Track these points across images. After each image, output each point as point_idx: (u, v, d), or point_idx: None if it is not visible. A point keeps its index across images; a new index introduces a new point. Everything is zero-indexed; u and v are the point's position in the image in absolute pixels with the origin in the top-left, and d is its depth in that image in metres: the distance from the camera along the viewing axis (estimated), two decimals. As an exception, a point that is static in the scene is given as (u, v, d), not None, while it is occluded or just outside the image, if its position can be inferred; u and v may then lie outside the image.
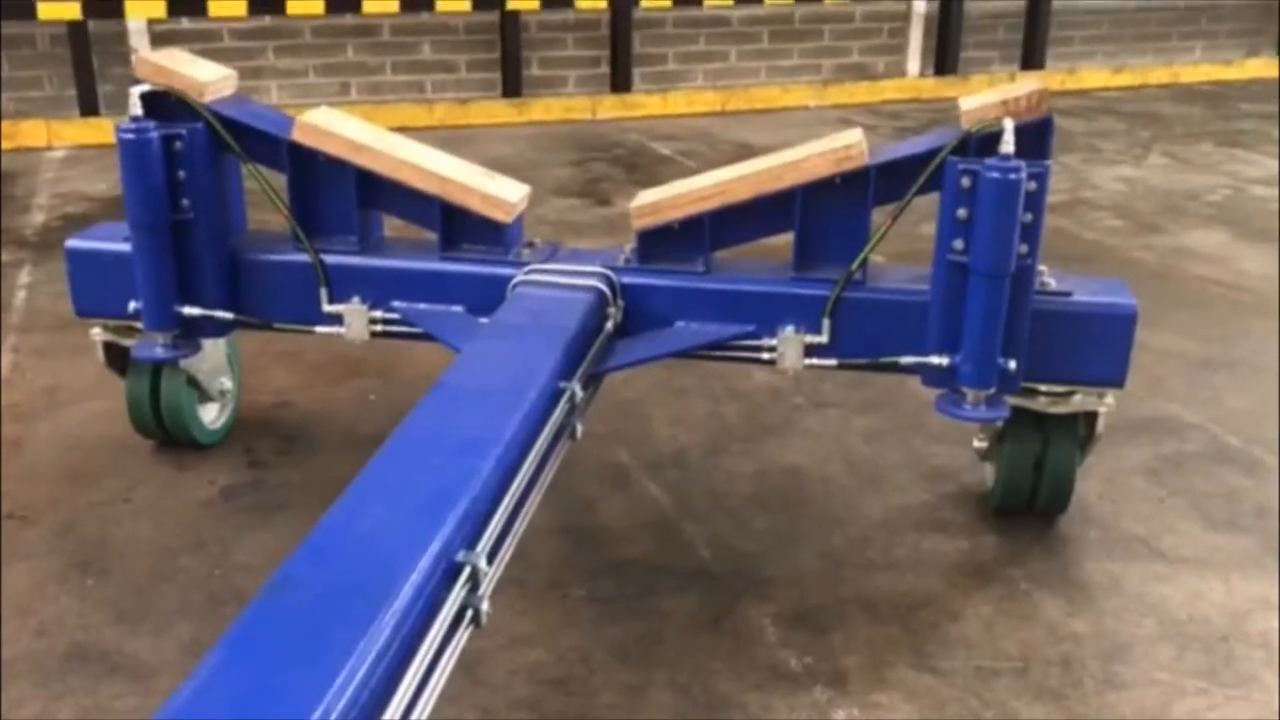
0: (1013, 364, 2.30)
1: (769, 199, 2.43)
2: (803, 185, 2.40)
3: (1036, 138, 2.25)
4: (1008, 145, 2.16)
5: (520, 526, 1.79)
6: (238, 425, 3.06)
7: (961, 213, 2.22)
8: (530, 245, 2.63)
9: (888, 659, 2.19)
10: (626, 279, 2.48)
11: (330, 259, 2.59)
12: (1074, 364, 2.40)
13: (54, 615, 2.29)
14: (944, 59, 8.30)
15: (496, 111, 7.16)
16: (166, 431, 2.89)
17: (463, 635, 1.52)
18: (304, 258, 2.58)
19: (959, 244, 2.24)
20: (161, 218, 2.47)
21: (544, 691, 2.09)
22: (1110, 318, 2.37)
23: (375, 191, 2.57)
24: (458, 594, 1.49)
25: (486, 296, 2.47)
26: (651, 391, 3.26)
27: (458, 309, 2.54)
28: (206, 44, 6.79)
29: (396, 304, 2.57)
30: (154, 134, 2.42)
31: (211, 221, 2.55)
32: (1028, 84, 2.29)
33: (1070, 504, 2.62)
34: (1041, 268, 2.43)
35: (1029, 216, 2.22)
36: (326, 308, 2.60)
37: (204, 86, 2.51)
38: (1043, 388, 2.46)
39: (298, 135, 2.53)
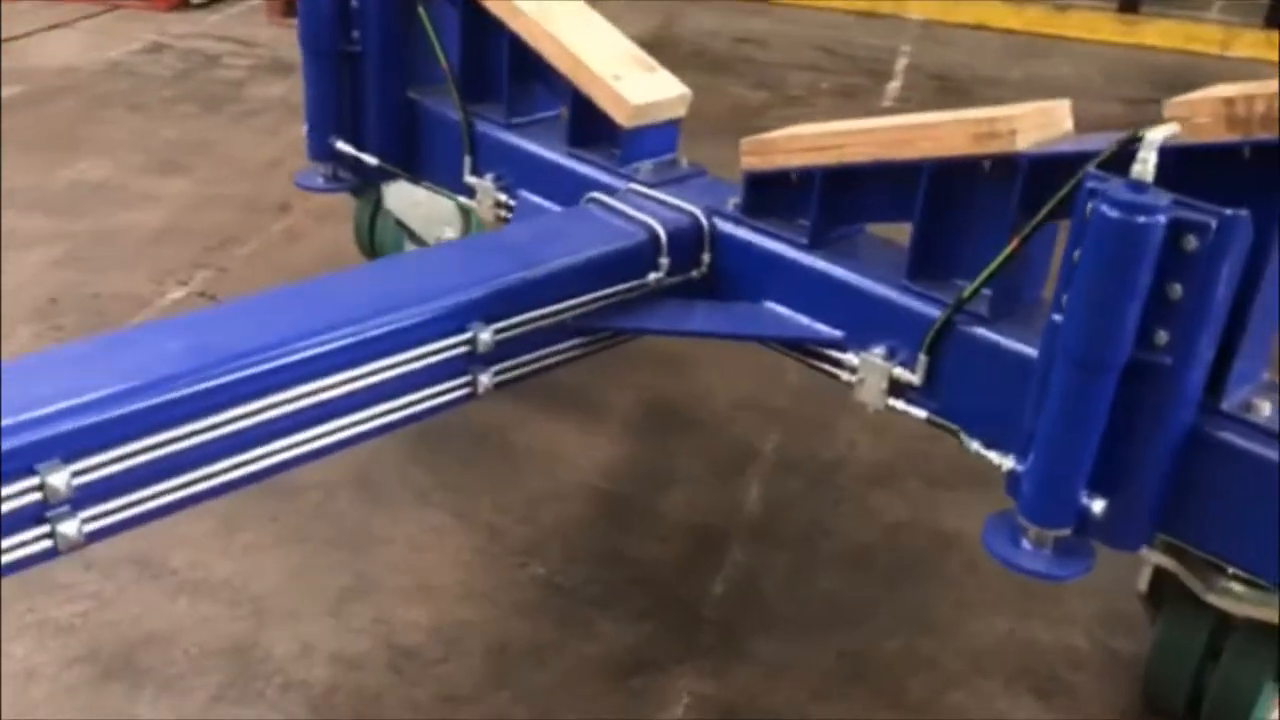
0: (1098, 505, 1.46)
1: (896, 171, 1.74)
2: (934, 160, 1.68)
3: (1257, 167, 1.35)
4: (1142, 166, 1.31)
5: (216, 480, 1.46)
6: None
7: (1077, 254, 1.41)
8: (671, 163, 2.18)
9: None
10: (722, 226, 1.96)
11: (481, 126, 2.36)
12: (1265, 544, 1.47)
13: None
14: None
15: (1100, 26, 6.09)
16: (383, 264, 2.92)
17: None
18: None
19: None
20: (327, 45, 2.40)
21: (370, 658, 1.82)
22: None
23: (526, 61, 2.27)
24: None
25: (587, 205, 2.10)
26: (873, 381, 2.61)
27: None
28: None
29: (522, 193, 2.29)
30: (327, -43, 2.34)
31: (381, 58, 2.42)
32: (1274, 82, 1.36)
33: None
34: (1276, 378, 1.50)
35: (1178, 288, 1.35)
36: (467, 178, 2.39)
37: (402, -82, 2.36)
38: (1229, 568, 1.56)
39: (469, -15, 2.30)
